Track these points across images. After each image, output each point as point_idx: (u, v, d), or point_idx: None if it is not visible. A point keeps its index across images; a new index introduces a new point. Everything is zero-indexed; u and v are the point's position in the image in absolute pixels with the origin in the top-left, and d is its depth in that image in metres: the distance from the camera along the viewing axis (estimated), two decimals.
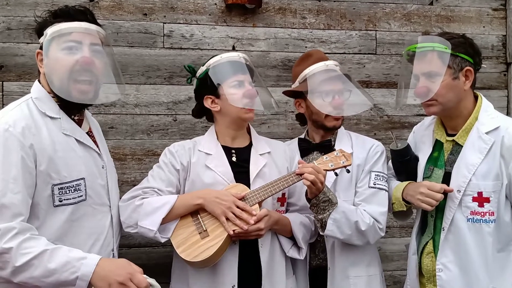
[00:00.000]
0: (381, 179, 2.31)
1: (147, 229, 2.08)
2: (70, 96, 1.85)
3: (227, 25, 2.84)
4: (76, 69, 1.83)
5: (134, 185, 2.68)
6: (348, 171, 2.21)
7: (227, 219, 2.06)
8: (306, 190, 2.19)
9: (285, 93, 2.52)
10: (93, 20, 1.93)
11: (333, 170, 2.17)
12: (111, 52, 2.02)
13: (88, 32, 1.88)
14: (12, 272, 1.68)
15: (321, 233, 2.23)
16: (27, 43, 2.60)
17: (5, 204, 1.69)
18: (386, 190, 2.31)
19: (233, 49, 2.83)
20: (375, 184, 2.30)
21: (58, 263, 1.69)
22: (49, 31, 1.85)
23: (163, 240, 2.11)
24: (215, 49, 2.79)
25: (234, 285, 2.11)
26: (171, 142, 2.37)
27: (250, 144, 2.30)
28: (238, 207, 2.06)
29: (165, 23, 2.77)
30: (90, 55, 1.85)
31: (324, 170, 2.13)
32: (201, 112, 2.35)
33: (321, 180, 2.11)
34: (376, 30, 3.02)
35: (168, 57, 2.77)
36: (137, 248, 2.69)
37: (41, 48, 1.89)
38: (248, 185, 2.18)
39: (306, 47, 2.91)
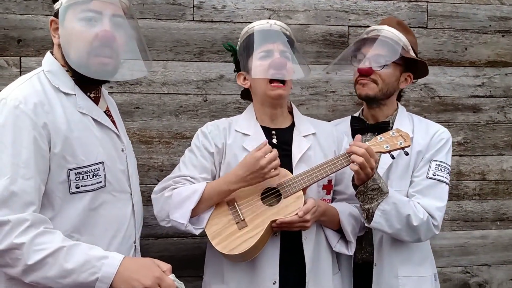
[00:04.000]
0: (443, 170, 2.06)
1: (178, 223, 1.87)
2: (88, 72, 1.62)
3: None
4: (95, 45, 1.60)
5: (162, 171, 2.50)
6: (406, 154, 1.94)
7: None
8: (353, 175, 1.94)
9: None
10: None
11: (389, 152, 1.91)
12: (136, 25, 1.78)
13: (110, 1, 1.64)
14: (23, 271, 1.46)
15: (366, 224, 2.00)
16: (47, 15, 2.38)
17: (15, 192, 1.46)
18: (446, 183, 2.06)
19: None
20: (435, 175, 2.05)
21: (76, 263, 1.46)
22: None
23: (197, 232, 1.89)
24: (249, 22, 2.49)
25: (275, 282, 1.88)
26: (201, 124, 2.14)
27: (293, 125, 2.06)
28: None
29: None
30: (110, 29, 1.62)
31: (378, 152, 1.88)
32: (245, 92, 2.13)
33: (372, 165, 1.86)
34: (427, 2, 2.72)
35: (198, 31, 2.53)
36: (164, 239, 2.49)
37: (55, 15, 1.66)
38: (291, 170, 1.94)
39: (349, 19, 2.64)
